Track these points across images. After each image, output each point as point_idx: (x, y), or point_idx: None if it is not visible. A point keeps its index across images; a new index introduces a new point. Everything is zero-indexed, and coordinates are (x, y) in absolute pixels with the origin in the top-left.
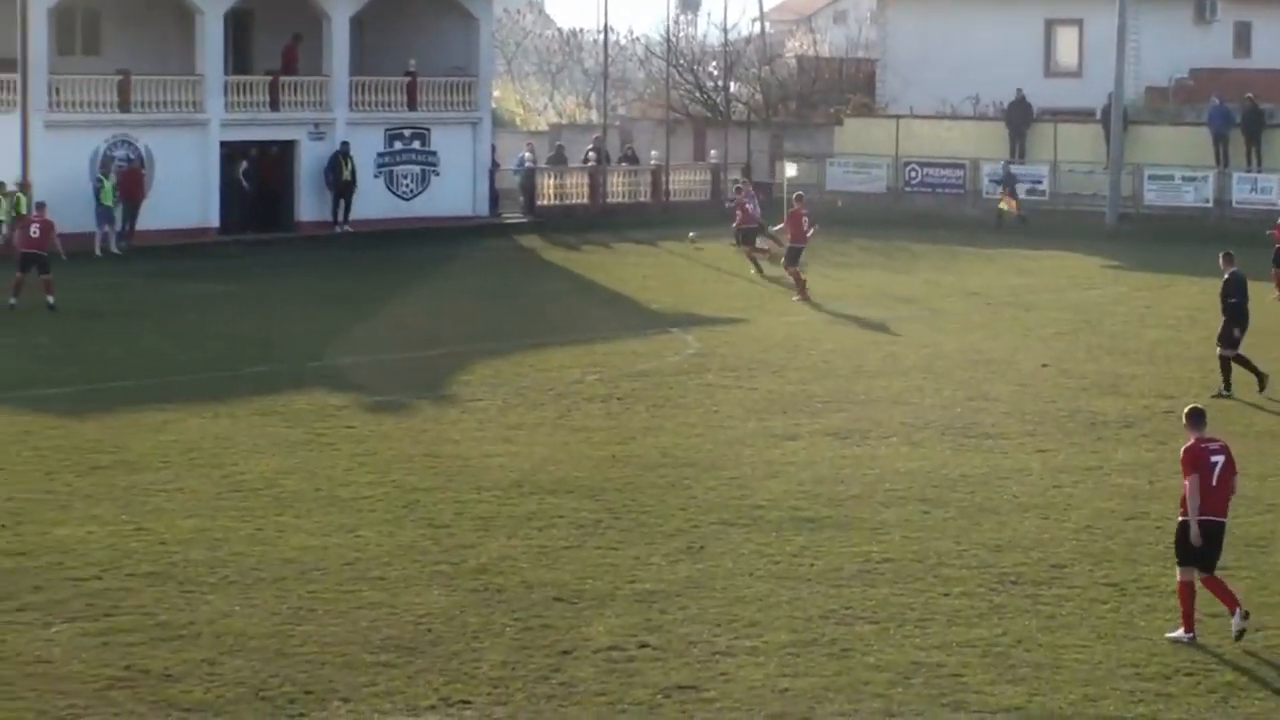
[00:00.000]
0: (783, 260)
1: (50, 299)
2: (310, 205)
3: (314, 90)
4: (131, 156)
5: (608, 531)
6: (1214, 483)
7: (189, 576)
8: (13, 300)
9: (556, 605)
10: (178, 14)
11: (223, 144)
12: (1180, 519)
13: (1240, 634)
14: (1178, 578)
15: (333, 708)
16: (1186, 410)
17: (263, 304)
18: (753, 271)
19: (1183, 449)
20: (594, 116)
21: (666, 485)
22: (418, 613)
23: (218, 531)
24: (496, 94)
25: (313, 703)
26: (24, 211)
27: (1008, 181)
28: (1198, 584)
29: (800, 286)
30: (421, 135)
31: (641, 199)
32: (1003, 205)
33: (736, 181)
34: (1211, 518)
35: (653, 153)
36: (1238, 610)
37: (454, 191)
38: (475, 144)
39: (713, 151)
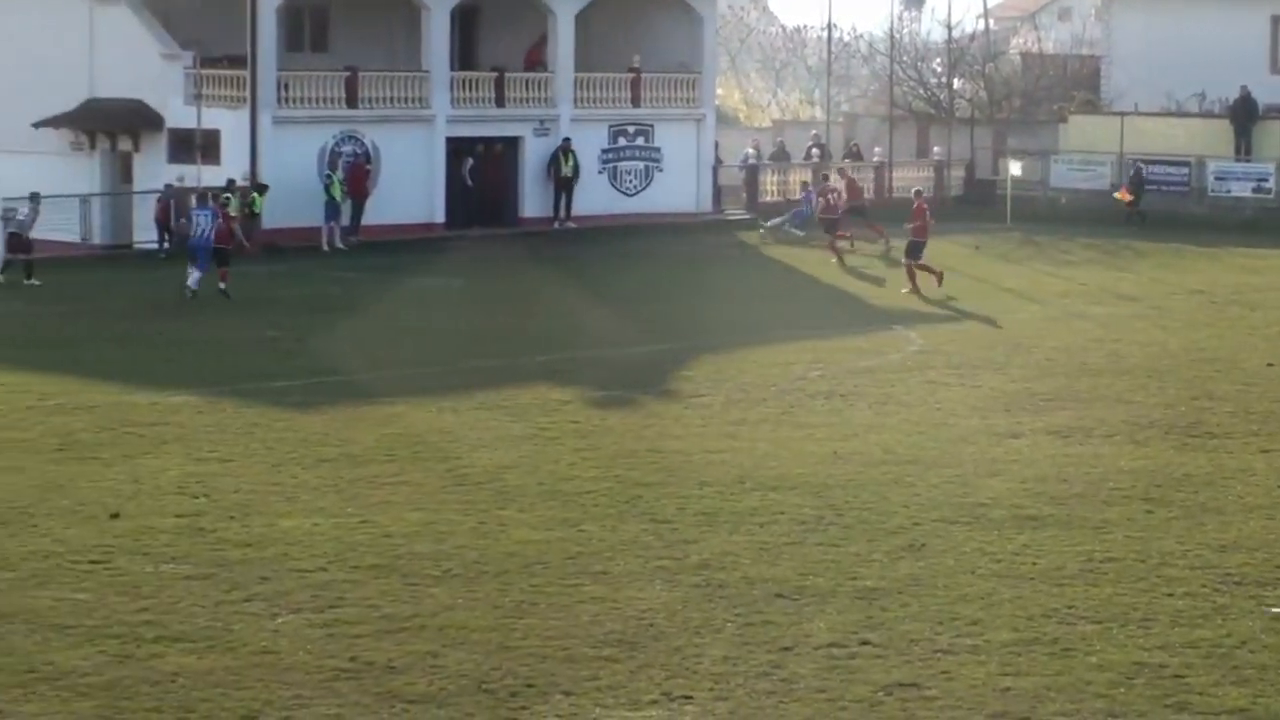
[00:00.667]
0: (904, 254)
1: (222, 285)
2: (533, 201)
3: (538, 87)
4: (358, 152)
5: (829, 528)
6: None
7: (413, 569)
8: (222, 286)
9: (778, 601)
10: (405, 10)
11: (448, 140)
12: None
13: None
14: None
15: (554, 701)
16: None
17: (487, 299)
18: (833, 261)
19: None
20: (817, 113)
21: (889, 482)
22: (639, 607)
23: (442, 525)
24: (720, 90)
25: (534, 696)
26: (258, 210)
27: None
28: None
29: (911, 279)
30: (645, 131)
31: (865, 195)
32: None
33: (824, 174)
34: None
35: (876, 149)
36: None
37: (677, 187)
38: (699, 140)
39: (936, 148)
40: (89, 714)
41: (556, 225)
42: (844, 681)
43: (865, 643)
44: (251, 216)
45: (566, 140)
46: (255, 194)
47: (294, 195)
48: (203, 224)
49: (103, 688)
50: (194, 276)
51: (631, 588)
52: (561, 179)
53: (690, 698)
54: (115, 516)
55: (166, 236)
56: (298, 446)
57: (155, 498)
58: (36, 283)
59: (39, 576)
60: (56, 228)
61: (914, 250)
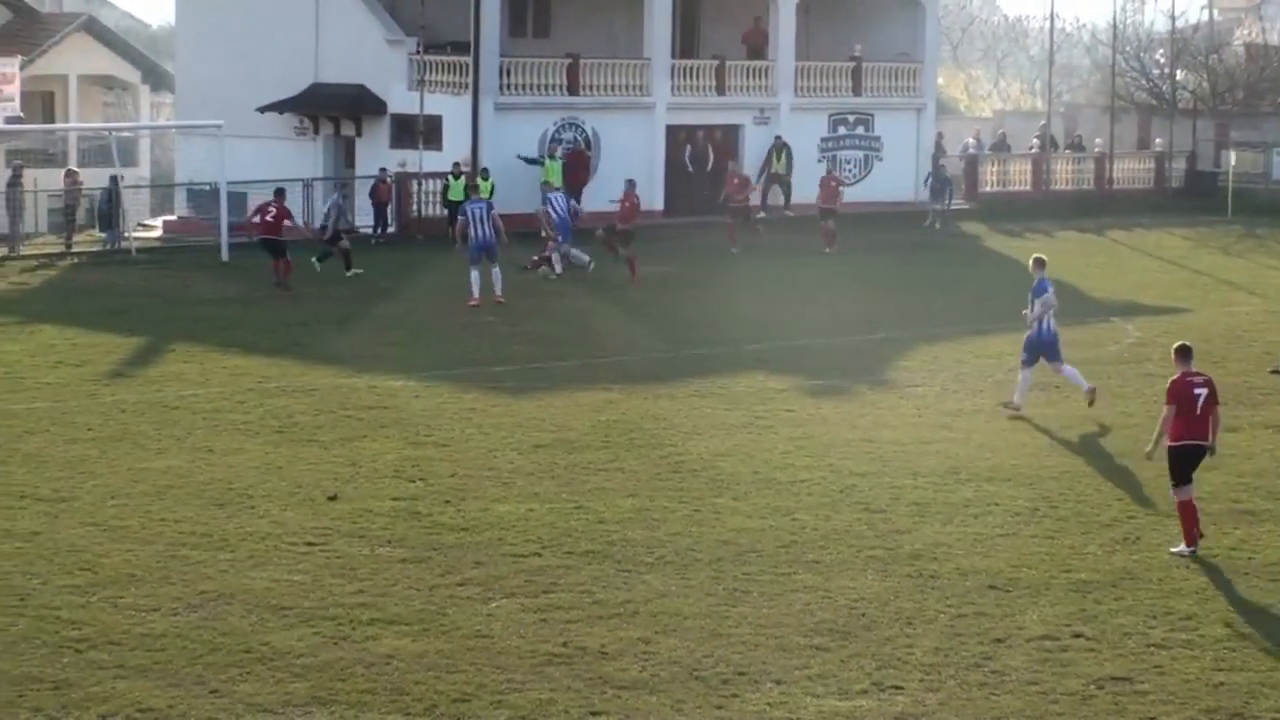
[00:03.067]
0: None
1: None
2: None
3: (759, 75)
4: (578, 138)
5: (1044, 520)
6: (1197, 411)
7: (626, 555)
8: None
9: (990, 593)
10: None
11: (667, 128)
12: (1169, 445)
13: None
14: (1174, 499)
15: (765, 689)
16: (1174, 346)
17: (704, 287)
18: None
19: (1169, 381)
20: (1038, 103)
21: (1104, 475)
22: (851, 597)
23: (656, 512)
24: (941, 80)
25: (745, 684)
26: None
27: None
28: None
29: None
30: (865, 120)
31: (1085, 186)
32: None
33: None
34: (1195, 442)
35: (1097, 140)
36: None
37: (896, 177)
38: (919, 130)
39: (1157, 140)
40: (303, 695)
41: (760, 217)
42: (1056, 674)
43: (1078, 635)
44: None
45: (778, 138)
46: (479, 179)
47: (514, 181)
48: (479, 214)
49: (317, 669)
50: (495, 275)
51: (844, 577)
52: (774, 175)
53: (901, 688)
54: (333, 499)
55: (383, 221)
56: (513, 431)
57: (372, 481)
58: (359, 271)
59: (256, 558)
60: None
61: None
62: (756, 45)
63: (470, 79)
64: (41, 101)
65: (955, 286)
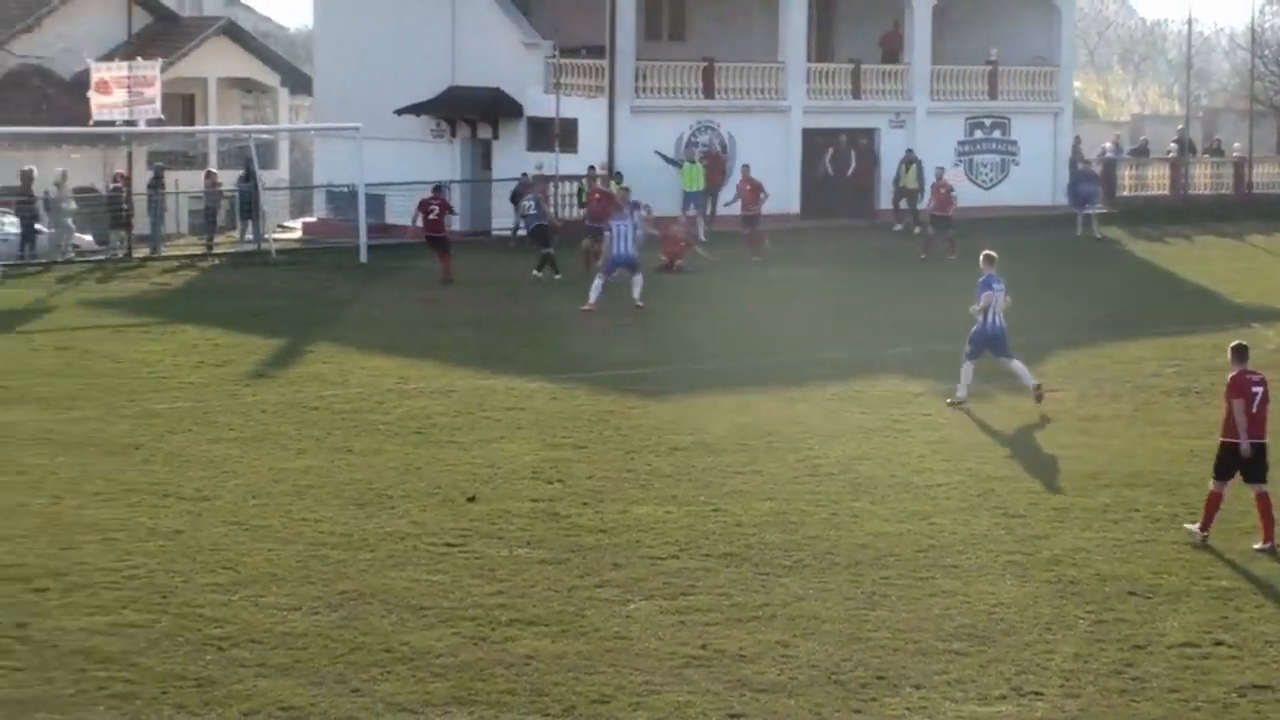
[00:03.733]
0: None
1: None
2: (890, 193)
3: (895, 79)
4: (713, 142)
5: (1184, 526)
6: (1254, 409)
7: (764, 558)
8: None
9: (1130, 599)
10: (763, 1)
11: (803, 131)
12: (1223, 440)
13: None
14: (1210, 488)
15: (904, 694)
16: (1231, 345)
17: (840, 289)
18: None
19: (1228, 379)
20: (1176, 108)
21: (1243, 481)
22: (990, 602)
23: (793, 515)
24: (1078, 84)
25: (884, 688)
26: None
27: None
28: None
29: None
30: (1002, 124)
31: (1224, 191)
32: None
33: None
34: (1256, 440)
35: (1235, 145)
36: (1271, 543)
37: (1033, 181)
38: (1056, 134)
39: None
40: (443, 694)
41: (898, 228)
42: (1197, 682)
43: (1219, 643)
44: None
45: (909, 152)
46: (613, 182)
47: (649, 185)
48: (623, 231)
49: (457, 669)
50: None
51: (983, 582)
52: (903, 189)
53: (1040, 694)
54: (471, 500)
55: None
56: (651, 434)
57: (511, 482)
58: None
59: (396, 558)
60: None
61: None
62: (892, 49)
63: (606, 82)
64: (181, 104)
65: (1093, 291)
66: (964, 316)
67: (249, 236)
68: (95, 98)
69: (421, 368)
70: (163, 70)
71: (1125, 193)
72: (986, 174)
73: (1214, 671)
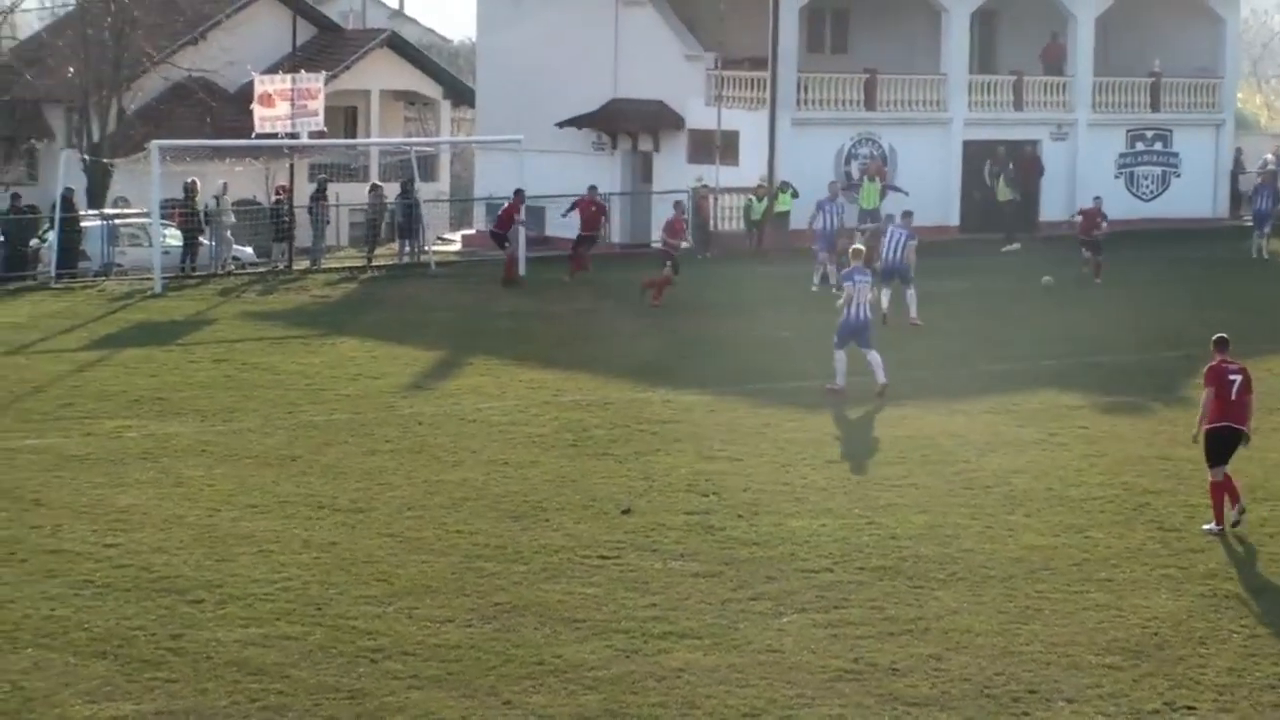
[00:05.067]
0: None
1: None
2: (1052, 205)
3: (1056, 90)
4: (875, 154)
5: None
6: (1232, 396)
7: (918, 572)
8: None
9: None
10: (925, 13)
11: (964, 143)
12: (1205, 428)
13: (1235, 523)
14: (1209, 479)
15: (1057, 708)
16: (1214, 337)
17: (999, 303)
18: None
19: (1206, 367)
20: None
21: None
22: (1144, 616)
23: (948, 528)
24: (1241, 95)
25: (1036, 702)
26: (787, 208)
27: None
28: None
29: None
30: (1163, 136)
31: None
32: None
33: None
34: (1233, 425)
35: None
36: (1239, 504)
37: (1194, 193)
38: (1217, 146)
39: None
40: (595, 707)
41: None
42: None
43: None
44: (778, 216)
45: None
46: (783, 194)
47: (811, 196)
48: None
49: (609, 681)
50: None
51: (1137, 595)
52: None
53: (1194, 709)
54: (626, 512)
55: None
56: (807, 447)
57: (665, 495)
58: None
59: (550, 570)
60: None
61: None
62: (1054, 60)
63: (767, 94)
64: (344, 116)
65: (1255, 304)
66: (1125, 328)
67: (408, 249)
68: (259, 110)
69: (578, 380)
70: (326, 83)
71: None
72: (1147, 186)
73: None
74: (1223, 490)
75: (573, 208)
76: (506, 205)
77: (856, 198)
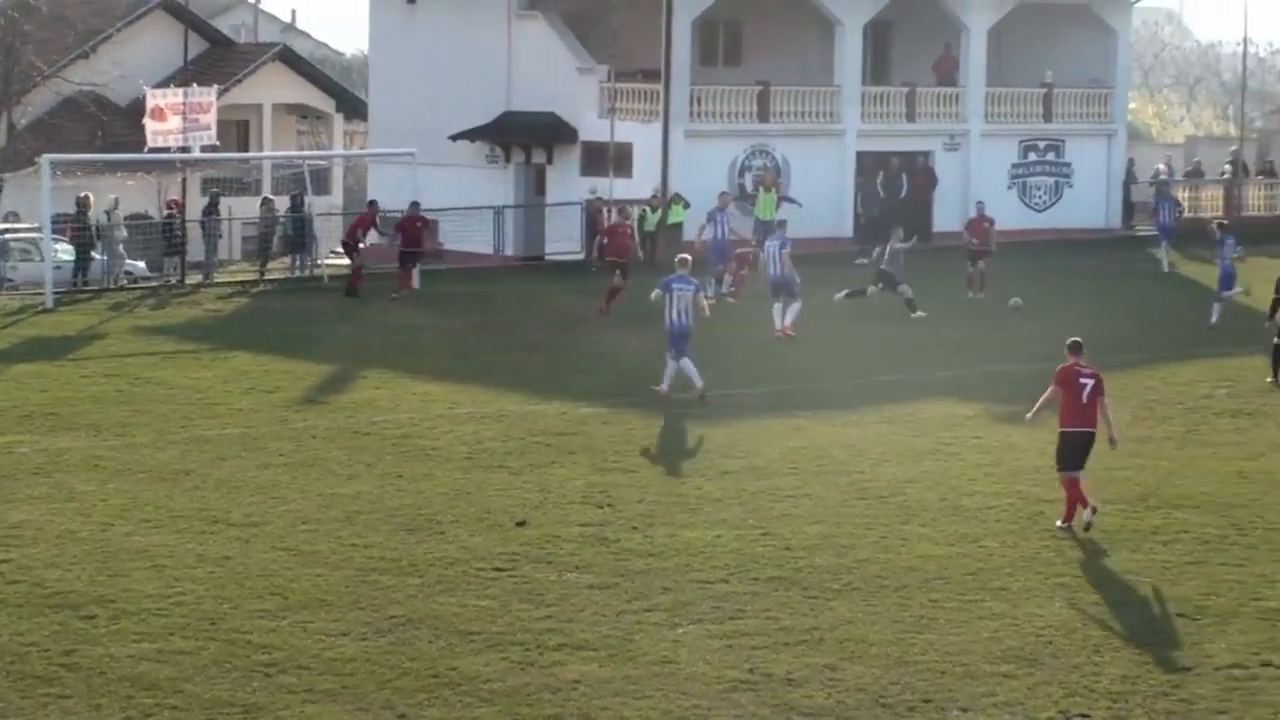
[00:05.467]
0: None
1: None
2: (946, 215)
3: (949, 101)
4: (768, 165)
5: (1233, 548)
6: (1084, 399)
7: (813, 582)
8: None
9: (1179, 621)
10: (818, 25)
11: (857, 154)
12: (1060, 430)
13: (1087, 526)
14: (1060, 478)
15: (951, 717)
16: (1068, 341)
17: (893, 313)
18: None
19: (1058, 368)
20: (1231, 129)
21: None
22: (1039, 624)
23: (843, 538)
24: (1133, 106)
25: (932, 711)
26: (679, 219)
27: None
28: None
29: None
30: (1056, 147)
31: (1278, 213)
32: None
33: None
34: (1082, 429)
35: None
36: (1090, 506)
37: (1087, 203)
38: (1110, 156)
39: None
40: (491, 719)
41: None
42: (1244, 704)
43: (1267, 664)
44: (671, 228)
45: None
46: (675, 205)
47: (704, 208)
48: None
49: (505, 694)
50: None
51: (1031, 604)
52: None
53: (1088, 716)
54: (521, 525)
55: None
56: (702, 458)
57: (561, 507)
58: None
59: (445, 583)
60: (471, 239)
61: None
62: (947, 72)
63: (661, 106)
64: (236, 130)
65: (1146, 313)
66: (1017, 337)
67: (299, 263)
68: (151, 124)
69: (473, 393)
70: (218, 96)
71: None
72: (1040, 196)
73: (1261, 693)
74: (1076, 489)
75: (397, 228)
76: (358, 216)
77: (751, 209)
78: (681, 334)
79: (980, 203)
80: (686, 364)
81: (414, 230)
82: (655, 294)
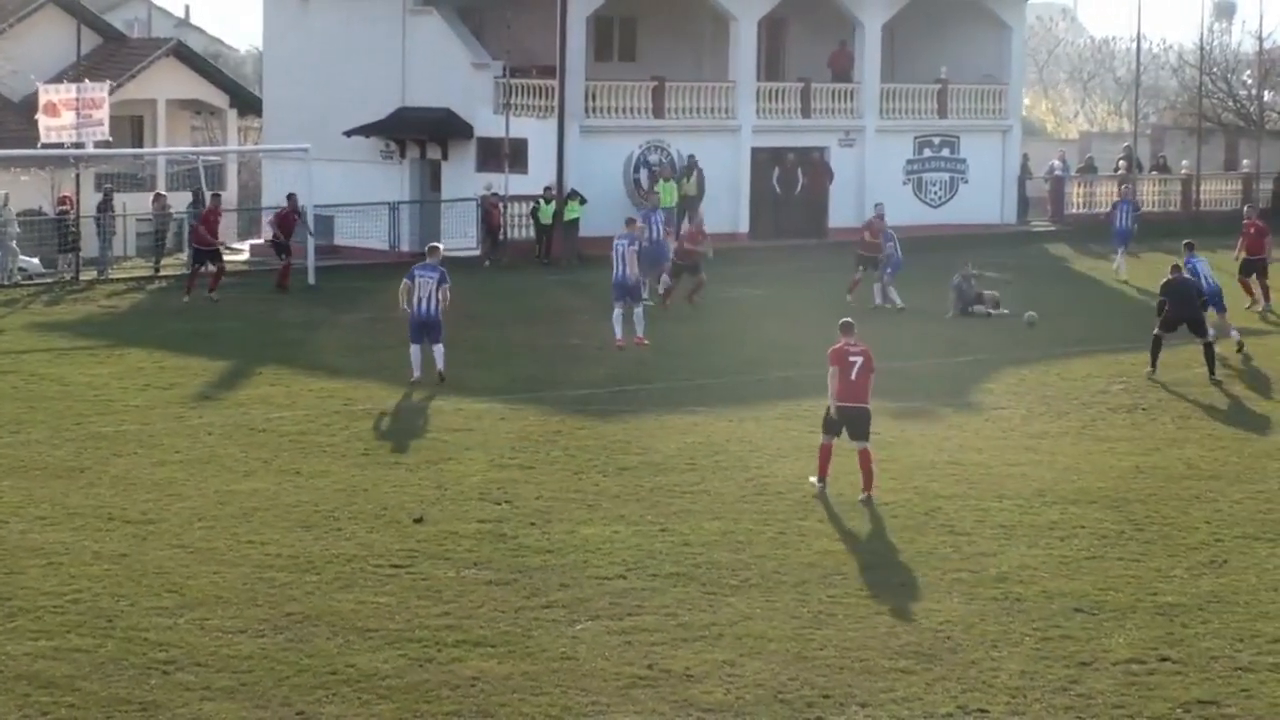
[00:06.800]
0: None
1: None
2: (841, 211)
3: (844, 97)
4: (664, 161)
5: (1129, 543)
6: (853, 377)
7: (712, 578)
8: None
9: (1076, 616)
10: (712, 21)
11: (752, 150)
12: (831, 403)
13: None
14: (820, 442)
15: (850, 712)
16: (840, 321)
17: (790, 309)
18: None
19: (829, 349)
20: (1125, 124)
21: (1190, 498)
22: (936, 620)
23: (741, 534)
24: (1027, 102)
25: (831, 707)
26: (576, 215)
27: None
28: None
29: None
30: (951, 143)
31: (1171, 209)
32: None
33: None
34: (851, 404)
35: (1183, 162)
36: (868, 489)
37: (982, 199)
38: (1004, 152)
39: (1245, 161)
40: (389, 716)
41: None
42: (1142, 698)
43: (1165, 659)
44: (567, 224)
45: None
46: (572, 201)
47: (601, 205)
48: (621, 250)
49: (403, 690)
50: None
51: (929, 600)
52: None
53: (986, 711)
54: (418, 521)
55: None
56: (599, 454)
57: (458, 503)
58: None
59: (343, 579)
60: (366, 235)
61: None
62: (842, 68)
63: (556, 102)
64: (130, 126)
65: (1041, 309)
66: (912, 335)
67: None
68: (43, 120)
69: (369, 389)
70: (111, 92)
71: (1073, 210)
72: (935, 192)
73: (1159, 688)
74: (830, 452)
75: (277, 222)
76: (284, 211)
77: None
78: (430, 324)
79: (879, 205)
80: (437, 349)
81: (290, 224)
82: (404, 283)
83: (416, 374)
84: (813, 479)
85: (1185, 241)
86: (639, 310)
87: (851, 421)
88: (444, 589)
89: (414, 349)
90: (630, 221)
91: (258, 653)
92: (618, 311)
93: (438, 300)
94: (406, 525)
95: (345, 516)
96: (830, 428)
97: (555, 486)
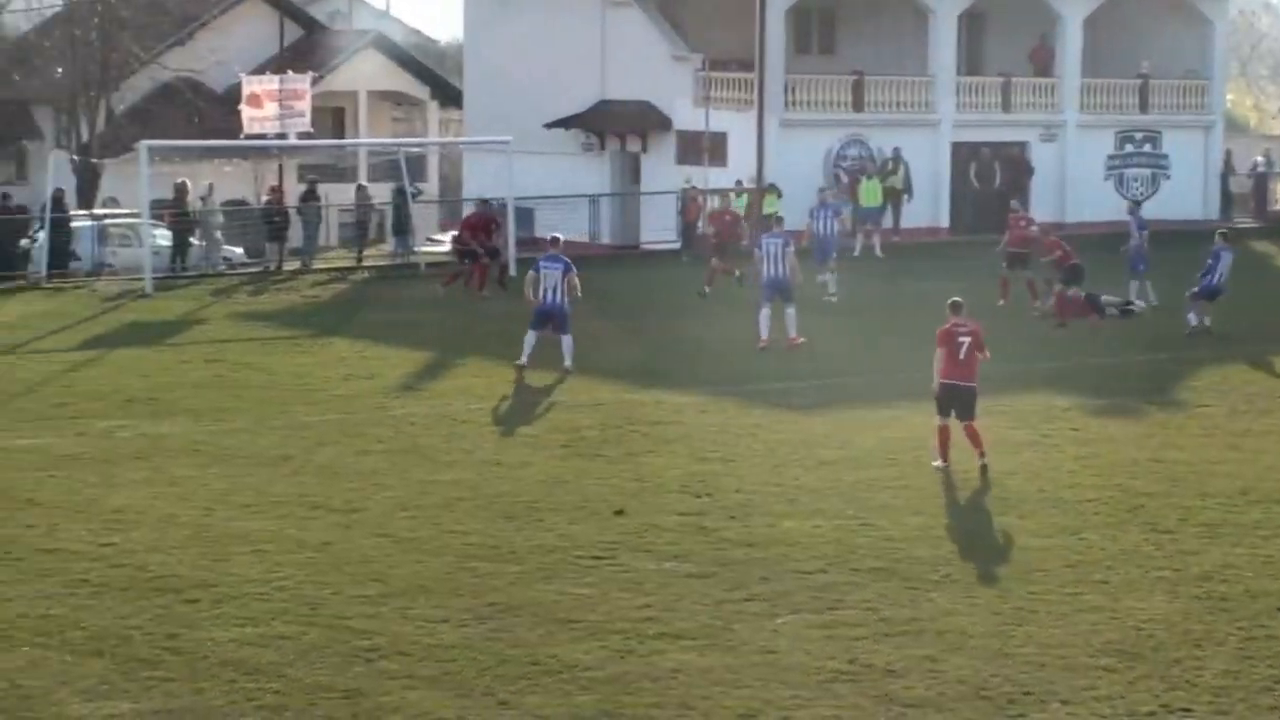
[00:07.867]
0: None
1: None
2: (1042, 206)
3: (1045, 92)
4: (861, 156)
5: (932, 464)
6: (961, 356)
7: (913, 573)
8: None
9: None
10: (912, 14)
11: (952, 144)
12: (939, 382)
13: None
14: (936, 423)
15: (1052, 709)
16: (949, 301)
17: (989, 303)
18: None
19: (938, 330)
20: None
21: (956, 418)
22: (1140, 618)
23: (941, 530)
24: (1230, 97)
25: (1032, 704)
26: (774, 209)
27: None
28: (956, 429)
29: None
30: (1152, 138)
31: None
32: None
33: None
34: (959, 383)
35: None
36: (982, 454)
37: (1184, 195)
38: (1207, 147)
39: None
40: (590, 707)
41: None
42: None
43: None
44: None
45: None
46: (770, 195)
47: (799, 198)
48: (774, 250)
49: (604, 681)
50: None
51: (1131, 597)
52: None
53: (1189, 710)
54: (619, 513)
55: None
56: (799, 448)
57: (658, 496)
58: None
59: (545, 570)
60: (566, 227)
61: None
62: (1043, 62)
63: (755, 95)
64: (331, 117)
65: (1245, 307)
66: (1115, 331)
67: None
68: (246, 111)
69: (571, 381)
70: (313, 83)
71: (1277, 207)
72: (1137, 188)
73: None
74: (948, 433)
75: (474, 227)
76: (478, 215)
77: (848, 200)
78: (552, 313)
79: (1015, 203)
80: (567, 340)
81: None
82: (529, 275)
83: (524, 360)
84: (935, 462)
85: (1219, 231)
86: (790, 310)
87: (958, 400)
88: (645, 581)
89: (531, 334)
90: (779, 220)
91: (460, 642)
92: (766, 310)
93: (564, 290)
94: (607, 517)
95: (547, 507)
96: (943, 408)
97: (755, 480)
